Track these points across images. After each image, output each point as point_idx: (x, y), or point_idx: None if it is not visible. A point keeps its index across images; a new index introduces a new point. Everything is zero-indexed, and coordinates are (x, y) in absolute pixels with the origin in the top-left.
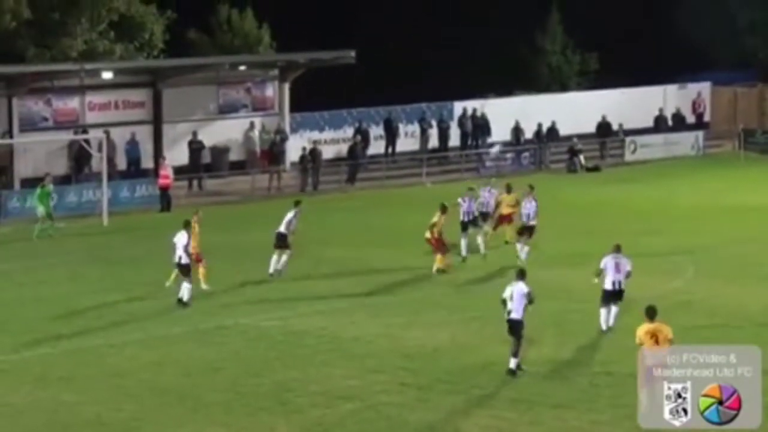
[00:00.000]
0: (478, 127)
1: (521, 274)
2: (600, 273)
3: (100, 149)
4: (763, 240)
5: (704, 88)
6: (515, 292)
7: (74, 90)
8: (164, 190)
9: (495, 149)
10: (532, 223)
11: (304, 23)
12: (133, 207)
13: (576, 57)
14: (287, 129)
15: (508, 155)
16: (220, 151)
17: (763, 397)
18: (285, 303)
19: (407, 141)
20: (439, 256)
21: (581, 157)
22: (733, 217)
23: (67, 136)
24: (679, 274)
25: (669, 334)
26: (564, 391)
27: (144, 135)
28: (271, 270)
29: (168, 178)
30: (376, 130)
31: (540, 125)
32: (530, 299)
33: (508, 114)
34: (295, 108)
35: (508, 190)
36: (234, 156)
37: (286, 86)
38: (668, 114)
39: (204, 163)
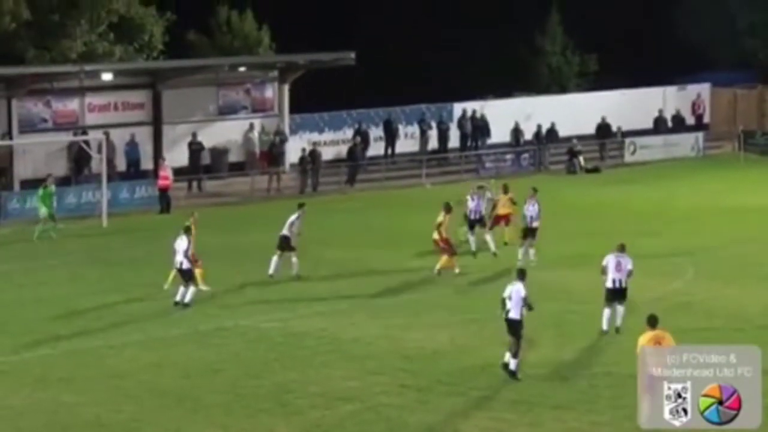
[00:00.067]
0: (478, 128)
1: (521, 275)
2: (603, 271)
3: (99, 150)
4: (763, 241)
5: (704, 89)
6: (514, 292)
7: (74, 91)
8: (164, 191)
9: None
10: (535, 225)
11: (303, 25)
12: (133, 208)
13: (576, 58)
14: (287, 130)
15: (508, 156)
16: (219, 153)
17: (763, 398)
18: (285, 304)
19: (407, 142)
20: (445, 257)
21: (581, 158)
22: (732, 218)
23: (66, 137)
24: (678, 276)
25: (671, 341)
26: (564, 392)
27: (143, 136)
28: (271, 271)
29: (167, 179)
30: (376, 132)
31: (539, 126)
32: (527, 304)
33: (507, 115)
34: (294, 109)
35: (505, 190)
36: (233, 157)
37: (286, 87)
38: (668, 115)
39: (203, 165)
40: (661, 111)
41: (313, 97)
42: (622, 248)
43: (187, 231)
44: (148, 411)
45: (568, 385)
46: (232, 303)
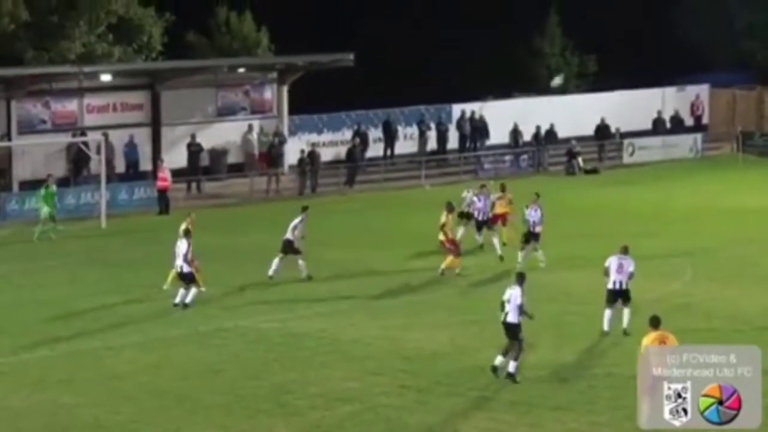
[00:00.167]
0: (477, 129)
1: (520, 279)
2: (606, 272)
3: (98, 152)
4: (762, 242)
5: (703, 90)
6: (512, 297)
7: (73, 92)
8: (162, 192)
9: (557, 80)
10: (538, 230)
11: (302, 26)
12: (132, 209)
13: (574, 59)
14: (286, 131)
15: (507, 157)
16: (218, 154)
17: (763, 398)
18: (284, 305)
19: (406, 143)
20: (450, 258)
21: (579, 159)
22: (731, 219)
23: (65, 138)
24: (677, 277)
25: (675, 342)
26: (563, 393)
27: (142, 137)
28: (270, 272)
29: (166, 180)
30: (375, 133)
31: (538, 128)
32: (524, 312)
33: (506, 116)
34: (293, 110)
35: (503, 189)
36: (232, 158)
37: (285, 89)
38: (666, 116)
39: (202, 166)
40: (659, 112)
41: (312, 99)
42: (625, 250)
43: (187, 234)
44: (147, 412)
45: (568, 386)
46: (231, 304)
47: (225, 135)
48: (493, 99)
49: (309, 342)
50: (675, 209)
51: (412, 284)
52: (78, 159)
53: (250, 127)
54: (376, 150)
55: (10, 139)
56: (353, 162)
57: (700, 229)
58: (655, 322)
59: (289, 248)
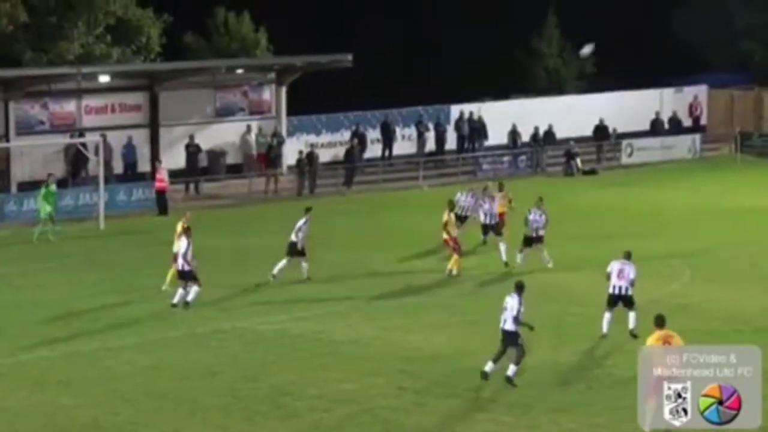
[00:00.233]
0: (475, 130)
1: (519, 288)
2: (608, 277)
3: (96, 153)
4: (760, 243)
5: (701, 91)
6: (509, 305)
7: (71, 93)
8: (160, 193)
9: (587, 49)
10: (541, 233)
11: (300, 27)
12: (130, 210)
13: (573, 60)
14: (284, 132)
15: (505, 158)
16: (216, 155)
17: (763, 400)
18: (282, 306)
19: (404, 144)
20: (455, 257)
21: (578, 160)
22: (729, 220)
23: (63, 139)
24: (675, 278)
25: (680, 341)
26: (562, 394)
27: (141, 138)
28: (274, 271)
29: (163, 181)
30: (373, 134)
31: (537, 128)
32: (521, 323)
33: (505, 117)
34: (292, 111)
35: (500, 188)
36: (231, 159)
37: (283, 89)
38: (665, 117)
39: (201, 167)
40: (658, 113)
41: (310, 99)
42: (627, 256)
43: (187, 232)
44: (146, 413)
45: (566, 387)
46: (229, 305)
47: (223, 136)
48: (491, 100)
49: (307, 343)
50: (673, 210)
51: (410, 285)
52: (76, 160)
53: (249, 128)
54: (374, 151)
55: (8, 141)
56: (351, 163)
57: (698, 229)
58: (660, 322)
59: (293, 250)
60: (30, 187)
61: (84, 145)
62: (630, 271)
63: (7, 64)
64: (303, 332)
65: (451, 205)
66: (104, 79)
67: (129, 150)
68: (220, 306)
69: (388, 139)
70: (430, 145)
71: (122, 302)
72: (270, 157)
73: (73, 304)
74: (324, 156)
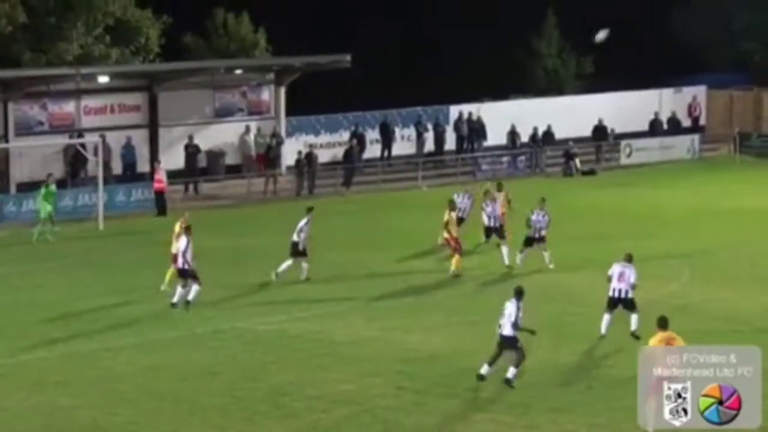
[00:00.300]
0: (474, 130)
1: (518, 294)
2: (609, 280)
3: (95, 153)
4: (759, 243)
5: (700, 91)
6: (508, 310)
7: (70, 94)
8: (159, 194)
9: (602, 35)
10: (543, 234)
11: (300, 27)
12: (129, 211)
13: (572, 60)
14: (283, 133)
15: (504, 159)
16: (215, 155)
17: (763, 400)
18: (281, 307)
19: (403, 145)
20: (456, 257)
21: (577, 160)
22: (728, 220)
23: (62, 140)
24: (674, 278)
25: (682, 343)
26: (561, 394)
27: (140, 139)
28: (278, 270)
29: (161, 182)
30: (372, 134)
31: (536, 129)
32: (518, 328)
33: (504, 118)
34: (290, 112)
35: (499, 188)
36: (230, 160)
37: (282, 90)
38: (664, 118)
39: (200, 167)
40: (657, 113)
41: (309, 100)
42: (628, 258)
43: (188, 231)
44: (145, 414)
45: (566, 387)
46: (228, 305)
47: (222, 136)
48: (490, 100)
49: (306, 344)
50: (672, 210)
51: (409, 286)
52: (75, 161)
53: (248, 129)
54: (373, 151)
55: (7, 141)
56: (350, 163)
57: (697, 230)
58: (662, 323)
59: (295, 250)
60: (29, 187)
61: (83, 145)
62: (631, 275)
63: (6, 64)
64: (302, 332)
65: (452, 205)
66: (103, 79)
67: (128, 150)
68: (220, 306)
69: (387, 139)
70: (429, 145)
71: (121, 302)
72: (269, 157)
73: (72, 304)
74: (323, 156)
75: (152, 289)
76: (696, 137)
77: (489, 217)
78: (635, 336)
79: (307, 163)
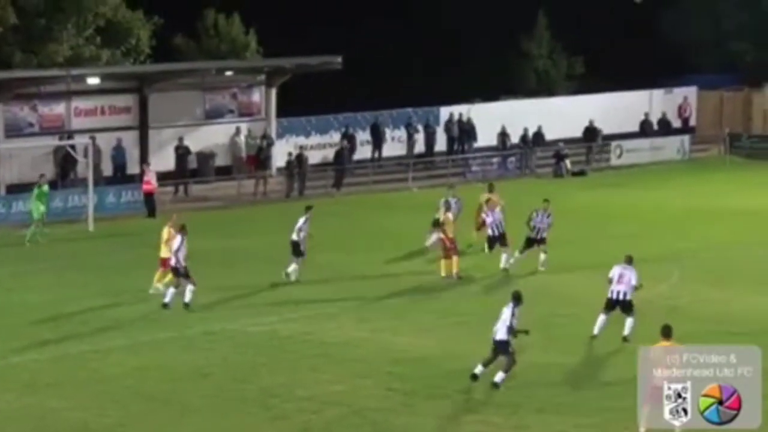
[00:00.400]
0: (465, 132)
1: (516, 299)
2: (609, 281)
3: (85, 155)
4: (749, 244)
5: (690, 92)
6: (504, 315)
7: (60, 96)
8: (148, 195)
9: None
10: (544, 235)
11: (290, 28)
12: (119, 212)
13: (563, 61)
14: (273, 134)
15: (494, 160)
16: (206, 157)
17: (763, 400)
18: (272, 308)
19: (394, 146)
20: (455, 258)
21: (567, 161)
22: (719, 221)
23: (53, 141)
24: (664, 279)
25: None
26: (550, 395)
27: (130, 140)
28: (288, 269)
29: (150, 183)
30: (363, 135)
31: (526, 130)
32: (513, 332)
33: (494, 119)
34: (281, 113)
35: (490, 189)
36: (220, 161)
37: (273, 91)
38: (654, 119)
39: (190, 169)
40: (647, 114)
41: (300, 101)
42: (629, 260)
43: (182, 230)
44: (135, 415)
45: (555, 388)
46: (219, 307)
47: (213, 138)
48: (480, 101)
49: (296, 345)
50: (662, 211)
51: (399, 287)
52: (65, 162)
53: (238, 130)
54: (363, 152)
55: None
56: (341, 164)
57: (687, 231)
58: (666, 332)
59: (295, 249)
60: (19, 189)
61: (73, 147)
62: (631, 277)
63: None
64: (292, 334)
65: (447, 205)
66: (93, 81)
67: (118, 152)
68: (210, 307)
69: (377, 140)
70: (420, 146)
71: (111, 304)
72: (259, 158)
73: (62, 306)
74: (313, 158)
75: (142, 291)
76: (686, 138)
77: (492, 226)
78: (626, 340)
79: (297, 164)
